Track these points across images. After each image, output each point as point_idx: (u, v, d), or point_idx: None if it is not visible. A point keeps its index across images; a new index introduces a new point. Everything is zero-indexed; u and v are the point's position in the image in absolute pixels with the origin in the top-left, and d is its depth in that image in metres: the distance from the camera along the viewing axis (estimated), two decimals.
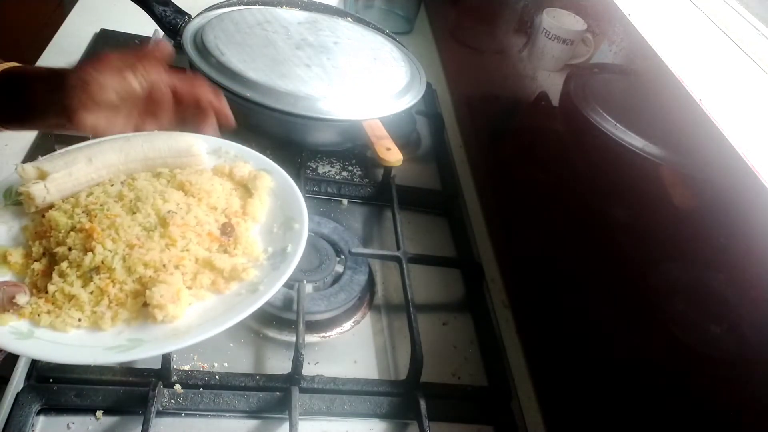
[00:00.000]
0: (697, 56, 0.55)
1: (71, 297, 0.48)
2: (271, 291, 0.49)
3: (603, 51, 0.67)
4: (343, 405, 0.60)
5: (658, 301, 0.53)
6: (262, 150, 0.61)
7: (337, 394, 0.60)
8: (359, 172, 0.87)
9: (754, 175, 0.43)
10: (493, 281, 0.79)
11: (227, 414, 0.57)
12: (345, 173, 0.86)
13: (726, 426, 0.45)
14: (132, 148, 0.58)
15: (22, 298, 0.47)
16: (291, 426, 0.54)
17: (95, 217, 0.51)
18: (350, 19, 0.99)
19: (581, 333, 0.63)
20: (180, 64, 0.91)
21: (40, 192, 0.53)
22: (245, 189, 0.60)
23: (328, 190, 0.82)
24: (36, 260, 0.51)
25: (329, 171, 0.86)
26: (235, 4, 0.94)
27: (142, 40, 1.00)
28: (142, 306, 0.48)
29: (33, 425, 0.53)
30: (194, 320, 0.48)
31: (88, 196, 0.54)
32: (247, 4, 0.95)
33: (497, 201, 0.88)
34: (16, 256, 0.51)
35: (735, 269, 0.45)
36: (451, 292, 0.76)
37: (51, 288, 0.48)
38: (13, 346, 0.44)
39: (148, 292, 0.47)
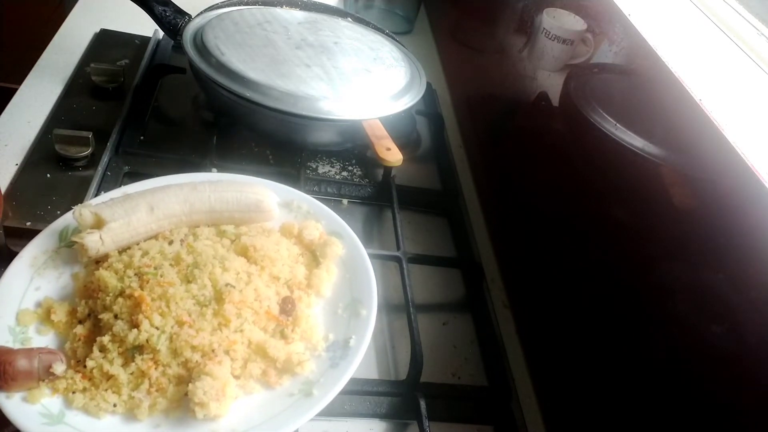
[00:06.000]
0: (697, 56, 0.55)
1: (109, 376, 0.46)
2: (326, 398, 0.46)
3: (603, 51, 0.67)
4: (343, 405, 0.60)
5: (658, 301, 0.53)
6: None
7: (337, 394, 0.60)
8: (359, 172, 0.87)
9: (754, 175, 0.43)
10: (493, 281, 0.79)
11: None
12: (345, 173, 0.86)
13: (726, 426, 0.45)
14: (198, 199, 0.55)
15: (59, 367, 0.45)
16: None
17: (147, 282, 0.48)
18: (350, 19, 0.99)
19: (581, 333, 0.63)
20: (180, 64, 0.92)
21: (95, 244, 0.50)
22: (312, 255, 0.58)
23: (328, 190, 0.82)
24: (80, 321, 0.49)
25: (329, 171, 0.86)
26: (235, 4, 0.94)
27: (142, 40, 1.00)
28: (183, 395, 0.46)
29: None
30: (238, 422, 0.45)
31: (143, 256, 0.51)
32: (247, 4, 0.95)
33: (497, 201, 0.88)
34: (60, 314, 0.49)
35: (735, 269, 0.45)
36: (451, 292, 0.76)
37: (90, 363, 0.46)
38: None
39: (191, 386, 0.45)
